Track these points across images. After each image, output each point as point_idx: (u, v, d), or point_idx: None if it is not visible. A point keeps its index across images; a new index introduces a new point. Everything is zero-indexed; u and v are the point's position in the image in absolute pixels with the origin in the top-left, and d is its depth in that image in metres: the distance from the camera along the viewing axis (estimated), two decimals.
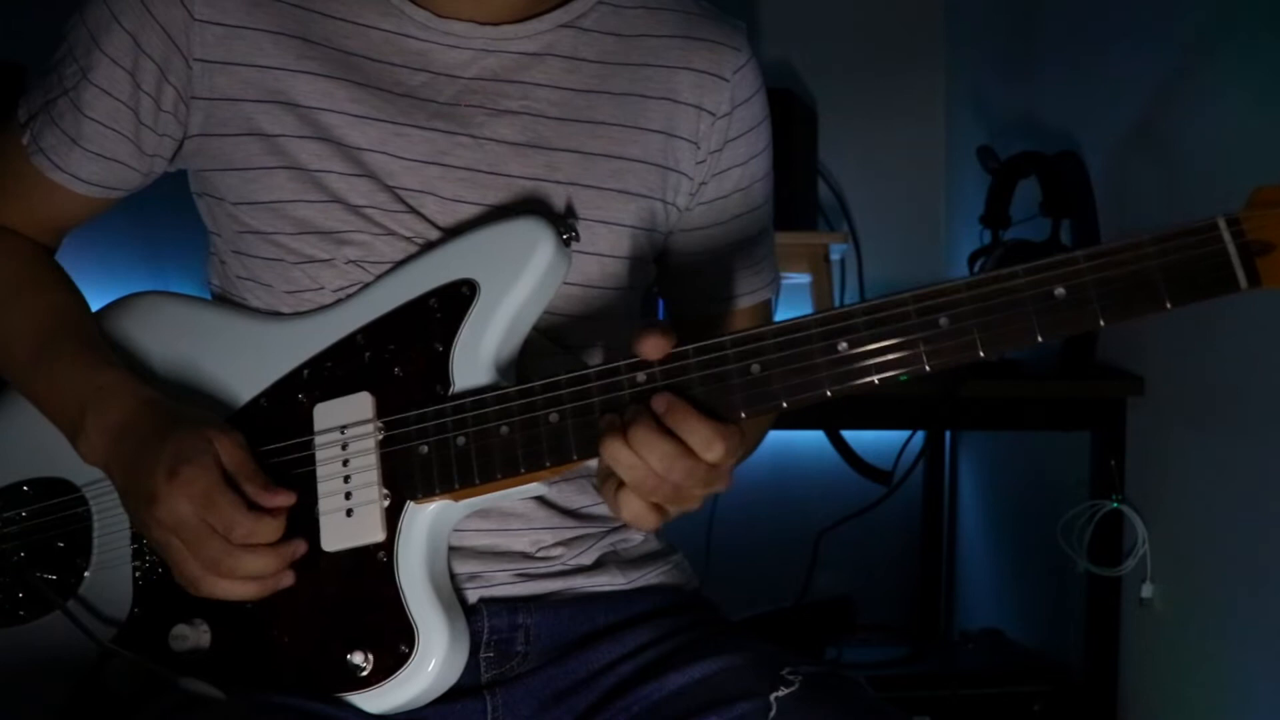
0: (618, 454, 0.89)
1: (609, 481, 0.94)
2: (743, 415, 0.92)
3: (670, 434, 0.89)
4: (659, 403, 0.90)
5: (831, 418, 2.23)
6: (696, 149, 1.15)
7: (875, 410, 2.18)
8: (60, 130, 1.09)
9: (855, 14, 2.83)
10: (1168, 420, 2.03)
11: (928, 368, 0.89)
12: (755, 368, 0.91)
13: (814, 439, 2.42)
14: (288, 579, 0.98)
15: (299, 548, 0.98)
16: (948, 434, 2.76)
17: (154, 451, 0.97)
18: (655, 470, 0.89)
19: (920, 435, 2.58)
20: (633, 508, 0.92)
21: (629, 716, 1.00)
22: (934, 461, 2.77)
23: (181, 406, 1.03)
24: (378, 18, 1.08)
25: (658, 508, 0.92)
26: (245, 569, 0.96)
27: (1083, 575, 2.13)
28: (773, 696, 0.95)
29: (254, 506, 0.97)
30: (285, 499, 0.98)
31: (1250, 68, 1.79)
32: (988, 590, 2.69)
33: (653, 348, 0.92)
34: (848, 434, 2.40)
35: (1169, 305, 0.85)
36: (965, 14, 2.81)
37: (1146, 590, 2.04)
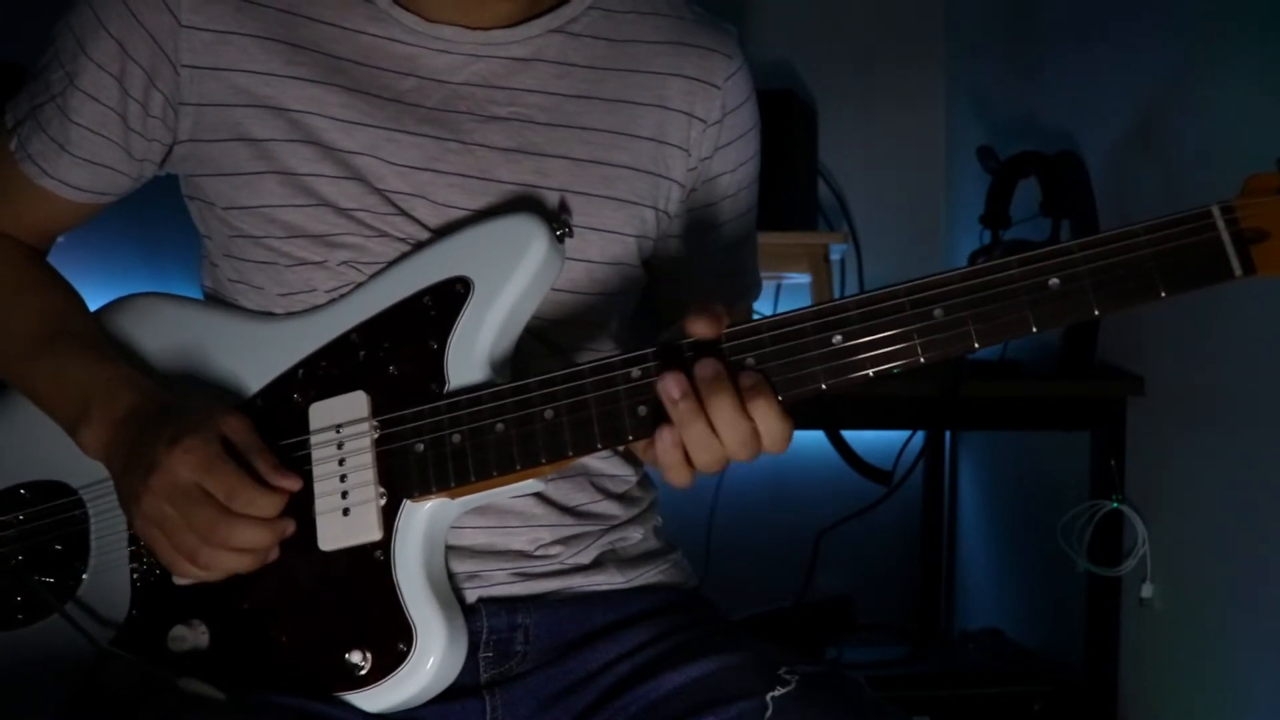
0: (698, 433, 0.90)
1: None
2: None
3: (749, 417, 0.90)
4: (747, 378, 0.90)
5: (831, 418, 2.23)
6: (688, 156, 1.15)
7: (875, 410, 2.18)
8: (48, 136, 1.09)
9: (855, 14, 2.83)
10: (1168, 420, 2.03)
11: (922, 359, 0.88)
12: (750, 361, 0.91)
13: (814, 439, 2.41)
14: (275, 554, 0.98)
15: (290, 525, 0.98)
16: (948, 434, 2.76)
17: (157, 427, 0.97)
18: (729, 449, 0.91)
19: (920, 435, 2.58)
20: (679, 468, 0.93)
21: (627, 716, 1.00)
22: (934, 461, 2.77)
23: (187, 398, 1.03)
24: (365, 22, 1.07)
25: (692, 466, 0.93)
26: (238, 539, 0.96)
27: (1083, 575, 2.13)
28: (769, 696, 0.95)
29: (255, 480, 0.97)
30: (292, 482, 0.98)
31: (1250, 67, 1.79)
32: (988, 590, 2.69)
33: (705, 327, 0.92)
34: (848, 434, 2.39)
35: (1164, 294, 0.84)
36: (965, 14, 2.81)
37: (1146, 590, 2.04)
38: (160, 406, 1.01)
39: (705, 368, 0.90)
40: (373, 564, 0.97)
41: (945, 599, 2.80)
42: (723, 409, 0.89)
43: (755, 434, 0.90)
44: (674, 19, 1.16)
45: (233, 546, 0.96)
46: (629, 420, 0.93)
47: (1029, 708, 2.17)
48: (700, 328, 0.92)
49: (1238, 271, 0.83)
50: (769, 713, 0.94)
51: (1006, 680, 2.20)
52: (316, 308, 1.06)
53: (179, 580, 1.01)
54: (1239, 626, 1.85)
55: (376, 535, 0.97)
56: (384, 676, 0.95)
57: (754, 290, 1.28)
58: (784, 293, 2.68)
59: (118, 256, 2.41)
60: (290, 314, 1.07)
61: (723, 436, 0.90)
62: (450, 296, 1.00)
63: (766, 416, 0.90)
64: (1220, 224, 0.84)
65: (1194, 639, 1.95)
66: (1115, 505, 2.08)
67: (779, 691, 0.95)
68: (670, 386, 0.90)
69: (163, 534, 0.97)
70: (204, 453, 0.95)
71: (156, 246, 2.43)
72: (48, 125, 1.09)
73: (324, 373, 1.03)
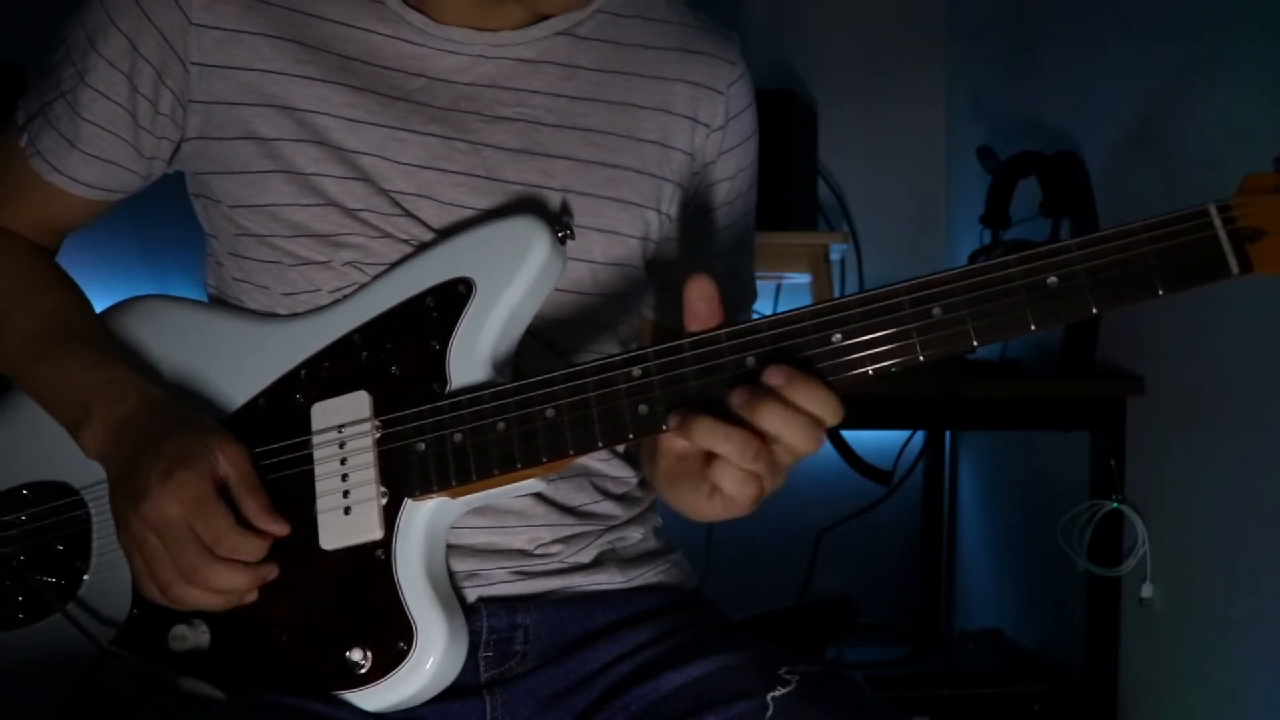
0: (746, 444, 0.87)
1: (700, 481, 0.93)
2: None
3: (793, 405, 0.88)
4: (776, 376, 0.87)
5: None
6: (691, 160, 1.16)
7: (875, 410, 2.18)
8: (58, 133, 1.09)
9: (855, 14, 2.84)
10: (1168, 420, 2.03)
11: (921, 358, 0.88)
12: (750, 360, 0.91)
13: None
14: (252, 597, 0.98)
15: (272, 571, 0.98)
16: (948, 434, 2.76)
17: (154, 449, 0.97)
18: (794, 447, 0.88)
19: (920, 435, 2.58)
20: (747, 488, 0.90)
21: (627, 716, 1.00)
22: (934, 461, 2.77)
23: (188, 410, 1.03)
24: (375, 22, 1.08)
25: (760, 488, 0.91)
26: (218, 582, 0.96)
27: (1083, 575, 2.13)
28: (770, 696, 0.95)
29: (243, 522, 0.97)
30: (280, 527, 0.98)
31: (1250, 67, 1.79)
32: (988, 590, 2.69)
33: (699, 296, 0.91)
34: (848, 434, 2.40)
35: (1161, 292, 0.84)
36: (965, 14, 2.81)
37: (1146, 590, 2.04)
38: (161, 417, 1.01)
39: (737, 395, 0.88)
40: (374, 563, 0.97)
41: (945, 599, 2.80)
42: (765, 410, 0.87)
43: (814, 420, 0.88)
44: (679, 25, 1.17)
45: (211, 589, 0.96)
46: (630, 418, 0.93)
47: (1029, 708, 2.17)
48: (697, 304, 0.92)
49: (1235, 269, 0.84)
50: (770, 713, 0.94)
51: (1006, 680, 2.21)
52: (319, 309, 1.06)
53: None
54: (1239, 626, 1.85)
55: (378, 534, 0.97)
56: (384, 675, 0.95)
57: (751, 297, 1.29)
58: (784, 293, 2.69)
59: (118, 257, 2.42)
60: (293, 315, 1.07)
61: (781, 434, 0.88)
62: (452, 297, 1.01)
63: (813, 397, 0.88)
64: (1217, 222, 0.84)
65: (1194, 639, 1.96)
66: (1115, 505, 2.08)
67: (780, 691, 0.95)
68: (734, 395, 0.88)
69: (142, 559, 0.97)
70: (195, 490, 0.95)
71: (156, 247, 2.44)
72: (58, 122, 1.09)
73: (326, 373, 1.03)
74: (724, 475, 0.89)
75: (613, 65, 1.13)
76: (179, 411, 1.02)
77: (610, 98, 1.12)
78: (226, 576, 0.96)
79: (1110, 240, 0.85)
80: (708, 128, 1.16)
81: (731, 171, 1.20)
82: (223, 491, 0.97)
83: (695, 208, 1.19)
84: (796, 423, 0.88)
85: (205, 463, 0.96)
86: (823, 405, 0.88)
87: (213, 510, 0.95)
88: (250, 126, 1.06)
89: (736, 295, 1.26)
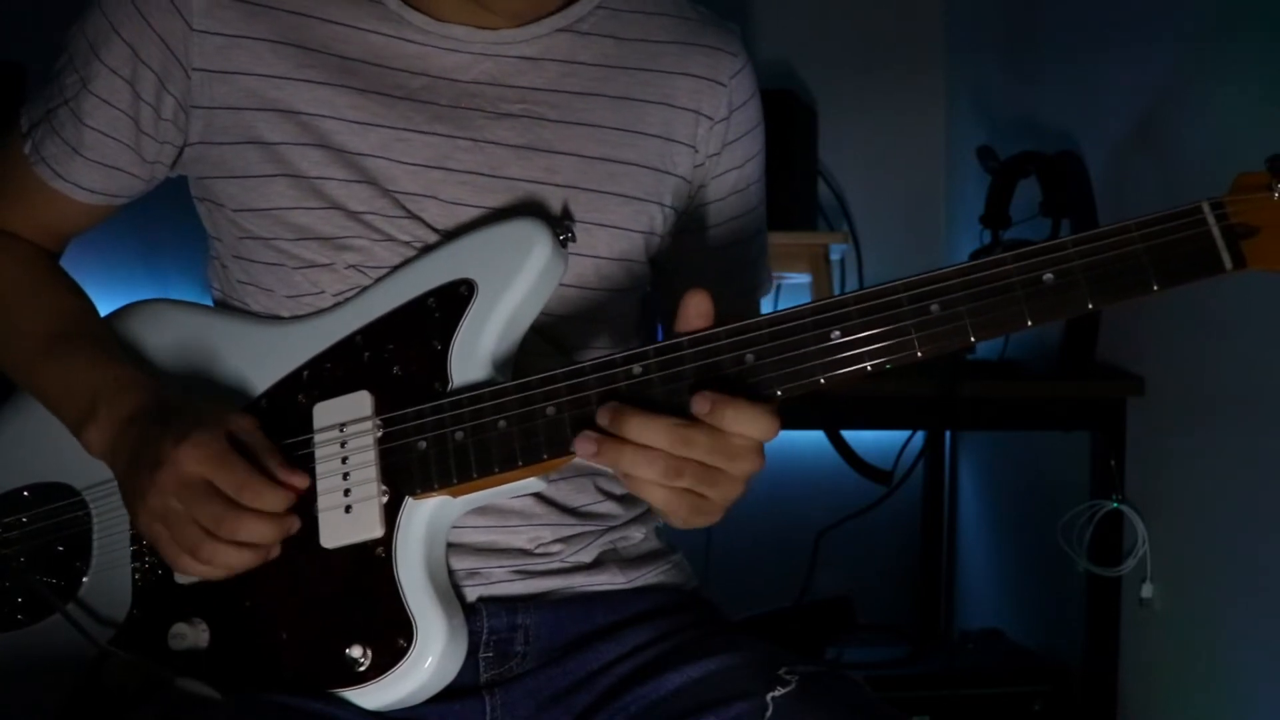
0: (629, 458, 0.88)
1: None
2: None
3: (720, 429, 0.88)
4: (701, 404, 0.88)
5: (831, 418, 2.23)
6: (695, 153, 1.16)
7: (875, 410, 2.18)
8: (61, 139, 1.10)
9: (855, 14, 2.83)
10: (1168, 420, 2.03)
11: (919, 354, 0.89)
12: (749, 357, 0.91)
13: (814, 439, 2.42)
14: (276, 551, 0.98)
15: (295, 522, 0.98)
16: (948, 434, 2.76)
17: (163, 426, 0.97)
18: (704, 457, 0.88)
19: (920, 435, 2.58)
20: (671, 499, 0.90)
21: (627, 716, 1.00)
22: (934, 461, 2.77)
23: (192, 401, 1.03)
24: (376, 23, 1.08)
25: (701, 498, 0.91)
26: (244, 533, 0.95)
27: (1083, 575, 2.13)
28: (769, 696, 0.95)
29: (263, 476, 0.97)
30: (300, 479, 0.98)
31: (1250, 67, 1.79)
32: (988, 590, 2.69)
33: (695, 313, 0.91)
34: (848, 434, 2.40)
35: (1156, 288, 0.85)
36: (965, 14, 2.81)
37: (1146, 590, 2.04)
38: (167, 408, 1.01)
39: (602, 416, 0.89)
40: (374, 561, 0.97)
41: (945, 599, 2.80)
42: (648, 429, 0.88)
43: (721, 438, 0.88)
44: (679, 19, 1.17)
45: (238, 541, 0.96)
46: None
47: (1029, 708, 2.17)
48: (691, 320, 0.92)
49: (1228, 265, 0.85)
50: (769, 713, 0.94)
51: (1006, 680, 2.20)
52: (322, 311, 1.07)
53: (180, 579, 1.01)
54: (1239, 626, 1.85)
55: (378, 532, 0.97)
56: (384, 672, 0.95)
57: (764, 286, 1.29)
58: (784, 293, 2.68)
59: (119, 258, 2.41)
60: (296, 317, 1.08)
61: (677, 449, 0.88)
62: (454, 298, 1.01)
63: (741, 418, 0.88)
64: (1210, 219, 0.85)
65: (1194, 639, 1.96)
66: (1115, 505, 2.08)
67: (779, 692, 0.95)
68: (585, 447, 0.89)
69: (166, 529, 0.97)
70: (213, 448, 0.95)
71: (156, 248, 2.44)
72: (61, 129, 1.10)
73: (329, 374, 1.03)
74: (643, 491, 0.90)
75: (614, 60, 1.13)
76: (185, 402, 1.02)
77: (612, 93, 1.12)
78: (253, 527, 0.95)
79: (1105, 237, 0.86)
80: (711, 120, 1.16)
81: (739, 161, 1.20)
82: (238, 451, 0.97)
83: (704, 198, 1.19)
84: (695, 439, 0.87)
85: (218, 425, 0.97)
86: (760, 427, 0.88)
87: (232, 462, 0.95)
88: (253, 131, 1.06)
89: (752, 285, 1.26)
